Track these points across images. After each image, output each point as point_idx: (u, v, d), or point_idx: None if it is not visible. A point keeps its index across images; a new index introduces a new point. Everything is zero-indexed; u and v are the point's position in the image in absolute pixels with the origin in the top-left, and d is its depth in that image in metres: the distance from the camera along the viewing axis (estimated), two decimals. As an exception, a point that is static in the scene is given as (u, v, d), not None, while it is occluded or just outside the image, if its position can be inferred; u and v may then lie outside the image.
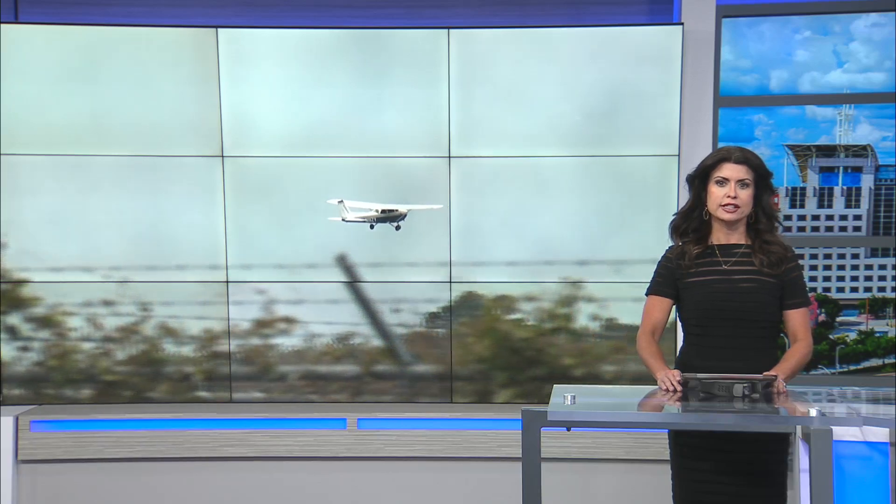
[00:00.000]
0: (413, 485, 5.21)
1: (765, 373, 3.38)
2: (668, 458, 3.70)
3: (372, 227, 5.10)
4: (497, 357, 5.27)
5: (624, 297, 5.14)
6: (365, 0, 5.36)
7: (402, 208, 5.09)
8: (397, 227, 5.10)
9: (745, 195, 3.57)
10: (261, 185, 5.21)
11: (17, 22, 5.31)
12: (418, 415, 5.19)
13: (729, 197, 3.55)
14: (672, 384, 3.38)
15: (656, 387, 3.45)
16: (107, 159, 5.19)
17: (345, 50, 5.16)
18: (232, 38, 5.14)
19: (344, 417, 5.19)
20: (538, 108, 5.14)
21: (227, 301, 5.26)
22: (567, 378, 5.19)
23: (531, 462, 3.22)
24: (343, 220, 5.07)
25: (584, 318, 5.24)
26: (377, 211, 5.06)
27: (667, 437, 3.71)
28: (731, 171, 3.56)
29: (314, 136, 5.19)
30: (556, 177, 5.17)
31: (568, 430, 3.54)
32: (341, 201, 5.08)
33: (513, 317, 5.25)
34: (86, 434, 5.18)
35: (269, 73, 5.16)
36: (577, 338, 5.24)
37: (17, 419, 5.16)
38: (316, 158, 5.20)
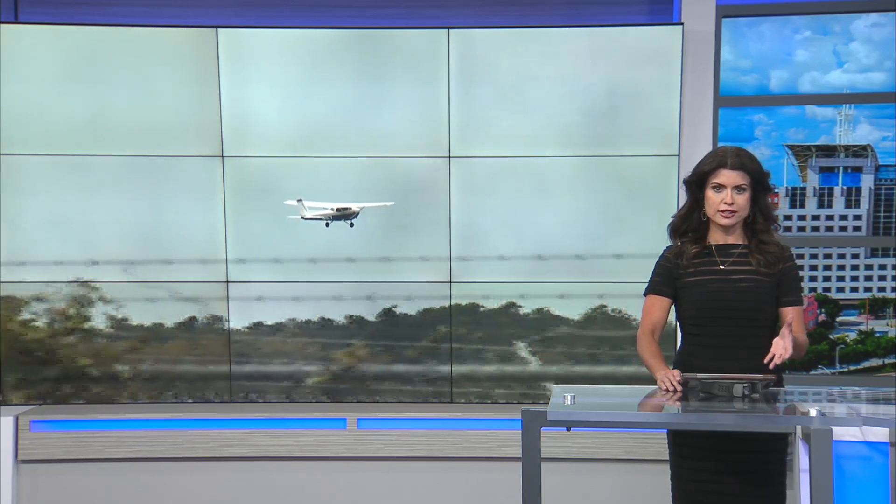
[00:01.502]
0: (413, 485, 5.21)
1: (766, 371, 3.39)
2: (668, 458, 3.70)
3: (327, 224, 5.14)
4: (8, 359, 5.25)
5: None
6: (365, 0, 5.36)
7: (355, 207, 5.13)
8: (351, 225, 5.13)
9: (742, 200, 3.57)
10: (261, 185, 5.21)
11: (17, 22, 5.31)
12: (418, 415, 5.20)
13: (725, 204, 3.56)
14: (672, 384, 3.39)
15: (656, 387, 3.46)
16: (107, 159, 5.20)
17: (345, 50, 5.16)
18: (232, 38, 5.14)
19: (344, 417, 5.19)
20: (538, 108, 5.14)
21: (227, 301, 5.26)
22: (82, 378, 5.24)
23: (531, 462, 3.22)
24: (302, 217, 5.12)
25: (96, 318, 5.26)
26: (333, 209, 5.09)
27: (666, 437, 3.71)
28: (727, 177, 3.56)
29: (314, 135, 5.19)
30: (556, 177, 5.17)
31: (568, 430, 3.54)
32: (300, 200, 5.12)
33: (22, 317, 5.25)
34: (86, 434, 5.18)
35: (269, 73, 5.16)
36: (90, 338, 5.26)
37: (17, 419, 5.16)
38: (316, 158, 5.20)
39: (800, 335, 3.53)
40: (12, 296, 5.22)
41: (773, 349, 3.36)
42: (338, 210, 5.09)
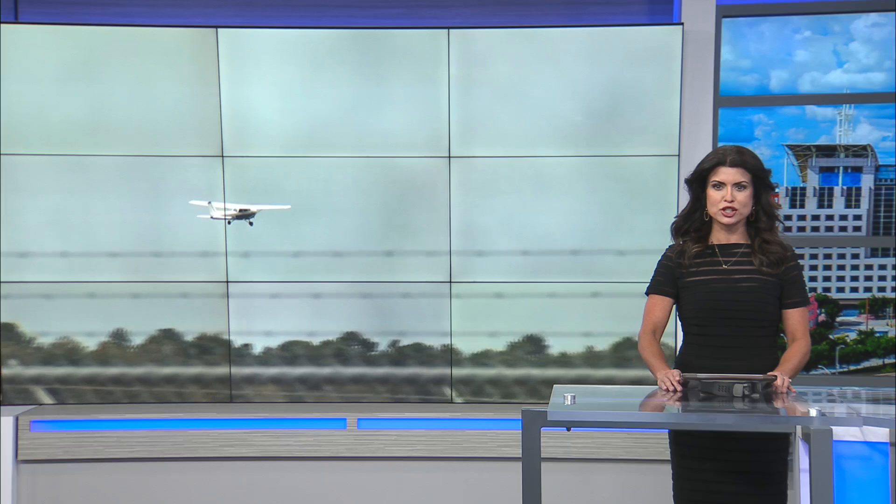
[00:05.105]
0: (413, 485, 5.21)
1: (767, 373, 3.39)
2: (669, 458, 3.70)
3: (229, 222, 5.19)
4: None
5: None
6: (365, 0, 5.36)
7: (253, 208, 5.19)
8: (251, 223, 5.18)
9: (743, 197, 3.57)
10: (261, 185, 5.21)
11: (17, 22, 5.31)
12: (418, 415, 5.20)
13: (726, 201, 3.56)
14: (672, 384, 3.39)
15: (656, 387, 3.46)
16: (107, 159, 5.20)
17: (345, 50, 5.16)
18: (232, 38, 5.14)
19: (344, 417, 5.19)
20: (538, 108, 5.14)
21: (227, 300, 5.26)
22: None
23: (531, 462, 3.22)
24: (211, 217, 5.19)
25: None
26: (235, 210, 5.18)
27: (667, 437, 3.71)
28: (726, 175, 3.56)
29: (314, 135, 5.19)
30: (556, 177, 5.17)
31: (568, 430, 3.54)
32: (210, 202, 5.18)
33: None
34: (86, 434, 5.18)
35: (269, 73, 5.16)
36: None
37: (17, 419, 5.16)
38: (316, 158, 5.20)
39: (797, 356, 3.52)
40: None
41: (776, 384, 3.37)
42: (239, 211, 5.16)
